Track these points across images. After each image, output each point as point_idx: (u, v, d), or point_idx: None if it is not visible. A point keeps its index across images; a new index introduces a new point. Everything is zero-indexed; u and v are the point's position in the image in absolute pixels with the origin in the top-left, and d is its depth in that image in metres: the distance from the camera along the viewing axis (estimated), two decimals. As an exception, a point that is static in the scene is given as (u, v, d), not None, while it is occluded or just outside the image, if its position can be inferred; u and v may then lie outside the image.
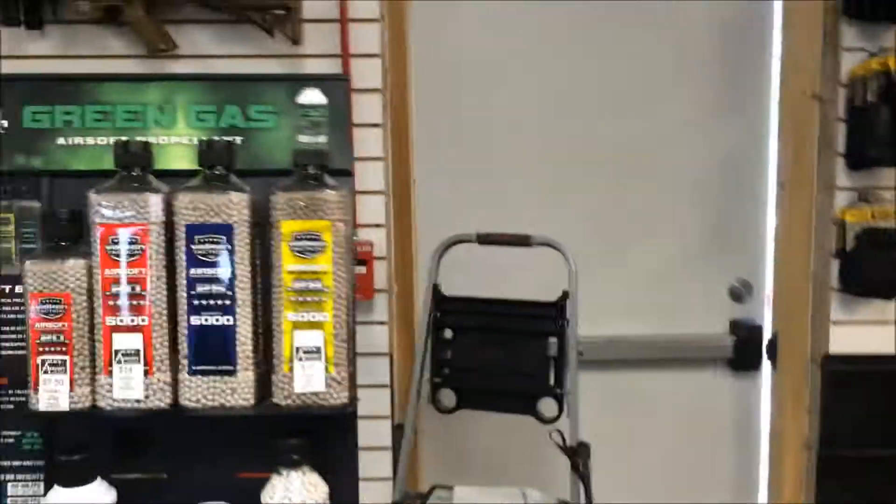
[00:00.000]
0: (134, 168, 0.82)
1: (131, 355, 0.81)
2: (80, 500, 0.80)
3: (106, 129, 0.87)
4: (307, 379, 0.78)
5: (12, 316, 0.86)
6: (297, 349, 0.79)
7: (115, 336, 0.81)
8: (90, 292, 0.81)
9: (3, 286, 0.86)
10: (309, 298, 0.79)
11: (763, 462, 1.75)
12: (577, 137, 1.88)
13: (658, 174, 1.89)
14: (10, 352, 0.86)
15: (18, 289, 0.86)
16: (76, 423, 0.82)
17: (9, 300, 0.86)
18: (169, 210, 0.81)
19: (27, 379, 0.86)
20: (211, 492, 0.84)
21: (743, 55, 1.73)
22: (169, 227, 0.80)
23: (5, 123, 0.87)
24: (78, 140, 0.87)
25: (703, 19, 1.63)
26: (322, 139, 0.85)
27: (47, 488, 0.86)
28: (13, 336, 0.87)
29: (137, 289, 0.80)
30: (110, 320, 0.80)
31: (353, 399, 0.79)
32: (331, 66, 1.97)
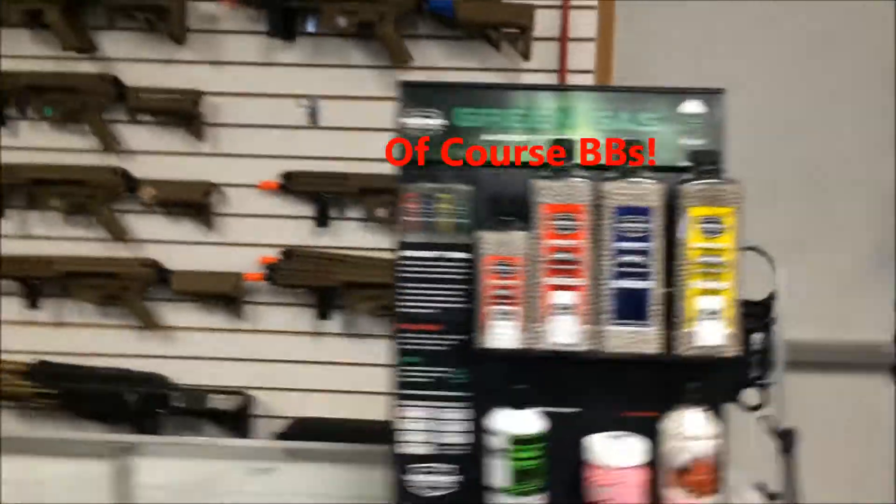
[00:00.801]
0: (569, 158, 1.05)
1: (566, 309, 1.03)
2: (524, 419, 1.02)
3: (522, 129, 1.10)
4: (709, 335, 1.00)
5: (447, 276, 1.09)
6: (702, 311, 1.01)
7: (554, 293, 1.03)
8: (531, 257, 1.04)
9: (442, 252, 1.09)
10: (712, 270, 1.00)
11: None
12: (765, 150, 2.09)
13: (837, 188, 2.09)
14: (446, 305, 1.09)
15: (451, 255, 1.09)
16: (508, 363, 1.04)
17: (445, 264, 1.08)
18: (595, 195, 1.03)
19: (461, 326, 1.08)
20: (601, 426, 1.06)
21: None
22: (595, 208, 1.02)
23: (442, 122, 1.09)
24: (500, 137, 1.10)
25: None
26: (701, 142, 1.06)
27: (477, 413, 1.08)
28: (447, 292, 1.09)
29: (573, 256, 1.02)
30: (550, 280, 1.02)
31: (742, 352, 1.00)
32: (548, 81, 2.20)
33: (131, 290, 2.27)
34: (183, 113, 2.22)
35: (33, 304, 2.28)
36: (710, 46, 2.20)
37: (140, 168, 2.26)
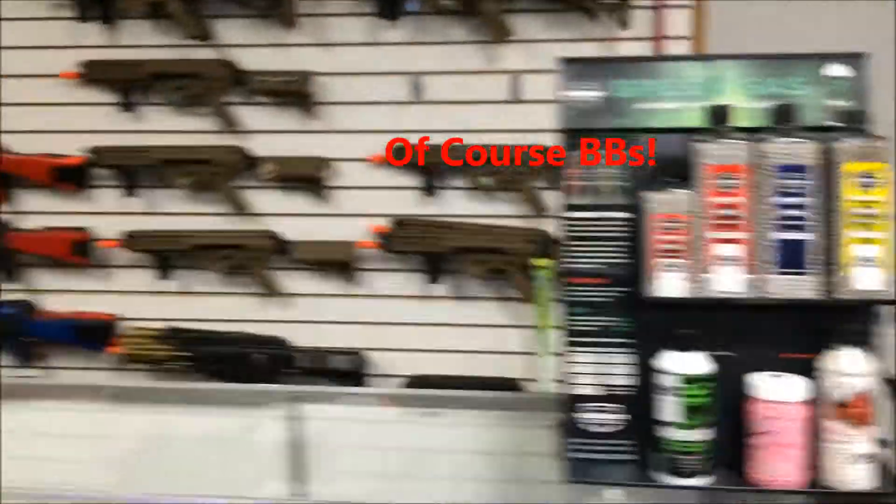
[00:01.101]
0: (722, 124, 1.14)
1: (729, 260, 1.14)
2: (694, 360, 1.13)
3: (675, 96, 1.20)
4: (866, 280, 1.09)
5: (610, 234, 1.20)
6: (857, 258, 1.10)
7: (718, 246, 1.13)
8: (695, 214, 1.14)
9: (605, 212, 1.20)
10: (867, 221, 1.10)
11: None
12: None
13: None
14: (609, 260, 1.20)
15: (613, 214, 1.20)
16: (673, 310, 1.15)
17: (608, 223, 1.19)
18: (754, 155, 1.13)
19: (624, 279, 1.20)
20: (761, 367, 1.17)
21: None
22: (754, 167, 1.13)
23: (602, 94, 1.20)
24: (654, 105, 1.20)
25: None
26: (845, 104, 1.15)
27: (641, 357, 1.20)
28: (610, 248, 1.20)
29: (735, 212, 1.13)
30: (714, 234, 1.13)
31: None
32: (643, 49, 2.27)
33: (255, 259, 2.42)
34: (296, 93, 2.35)
35: (164, 276, 2.44)
36: (800, 9, 2.25)
37: (257, 146, 2.40)
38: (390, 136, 2.34)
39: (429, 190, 2.35)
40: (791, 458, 1.15)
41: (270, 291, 2.42)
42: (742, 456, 1.20)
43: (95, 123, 2.41)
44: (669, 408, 1.17)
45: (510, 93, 2.32)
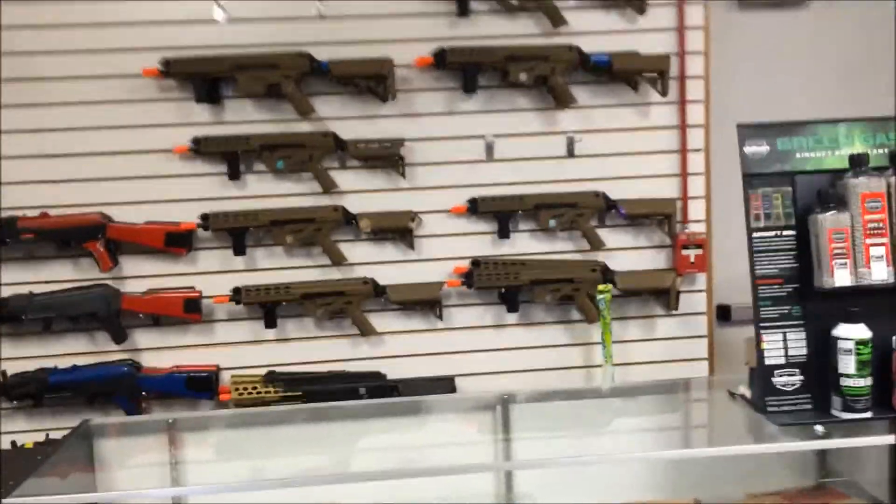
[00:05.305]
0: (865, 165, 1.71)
1: (879, 258, 1.68)
2: (862, 329, 1.66)
3: (823, 147, 1.75)
4: None
5: (783, 247, 1.72)
6: None
7: (872, 248, 1.68)
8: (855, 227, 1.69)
9: (779, 231, 1.72)
10: None
11: None
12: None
13: None
14: (784, 265, 1.72)
15: (786, 232, 1.72)
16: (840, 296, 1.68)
17: (782, 239, 1.72)
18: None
19: (794, 278, 1.72)
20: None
21: None
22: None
23: (768, 148, 1.73)
24: (808, 155, 1.74)
25: None
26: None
27: (809, 333, 1.71)
28: (784, 257, 1.72)
29: (881, 225, 1.68)
30: (868, 241, 1.68)
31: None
32: (671, 111, 2.83)
33: (354, 304, 2.76)
34: (390, 157, 2.75)
35: (270, 325, 2.73)
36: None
37: (352, 205, 2.77)
38: (468, 190, 2.78)
39: (503, 233, 2.79)
40: (924, 392, 1.70)
41: (367, 332, 2.75)
42: (888, 393, 1.73)
43: (205, 192, 2.69)
44: (849, 364, 1.69)
45: (567, 150, 2.83)
